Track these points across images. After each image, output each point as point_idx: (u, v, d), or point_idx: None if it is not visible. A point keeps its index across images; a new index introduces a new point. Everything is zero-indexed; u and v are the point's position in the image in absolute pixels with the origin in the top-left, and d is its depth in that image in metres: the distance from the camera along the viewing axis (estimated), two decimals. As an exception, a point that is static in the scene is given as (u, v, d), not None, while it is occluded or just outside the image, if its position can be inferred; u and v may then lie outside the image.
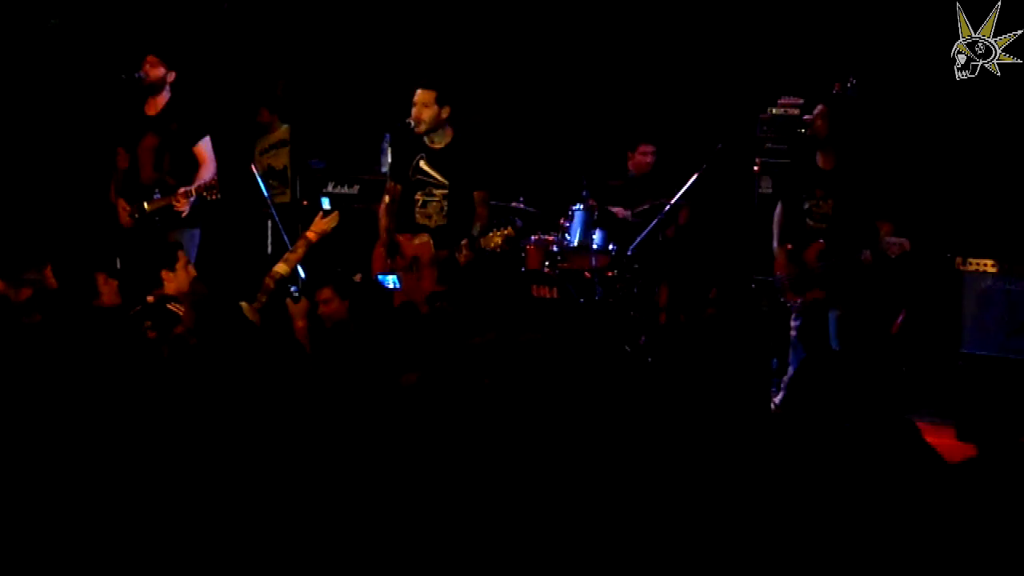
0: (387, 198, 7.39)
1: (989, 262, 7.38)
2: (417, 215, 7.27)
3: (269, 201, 8.44)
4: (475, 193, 7.19)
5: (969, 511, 4.23)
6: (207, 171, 7.60)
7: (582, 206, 8.23)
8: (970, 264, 7.42)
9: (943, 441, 4.79)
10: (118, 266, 7.63)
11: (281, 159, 9.28)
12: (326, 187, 9.30)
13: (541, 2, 9.47)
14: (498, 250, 7.00)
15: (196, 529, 4.36)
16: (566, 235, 8.26)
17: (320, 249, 6.95)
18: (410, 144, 7.26)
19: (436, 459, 4.99)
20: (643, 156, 8.69)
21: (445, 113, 7.13)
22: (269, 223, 8.62)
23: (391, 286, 7.15)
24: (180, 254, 6.41)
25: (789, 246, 7.01)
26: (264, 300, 6.52)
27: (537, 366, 7.14)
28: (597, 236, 8.21)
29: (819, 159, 6.94)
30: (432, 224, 7.23)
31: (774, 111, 8.24)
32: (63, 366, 5.06)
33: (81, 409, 4.90)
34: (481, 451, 5.16)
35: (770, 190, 7.85)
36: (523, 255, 8.19)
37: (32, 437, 4.71)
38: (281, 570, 4.22)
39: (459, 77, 8.28)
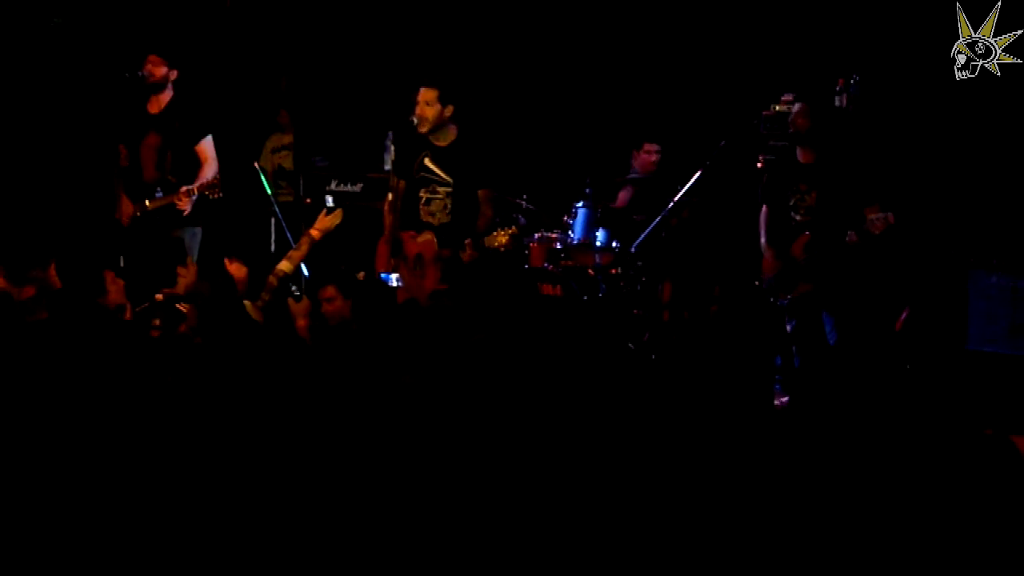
0: (391, 196, 7.40)
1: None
2: (421, 213, 7.27)
3: (272, 199, 8.44)
4: (479, 191, 7.19)
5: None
6: (209, 170, 7.59)
7: (585, 203, 8.22)
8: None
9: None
10: (121, 264, 7.63)
11: (292, 161, 9.28)
12: (329, 185, 9.30)
13: (545, 1, 9.46)
14: (502, 249, 6.99)
15: (198, 525, 4.36)
16: (569, 232, 8.25)
17: (324, 247, 6.94)
18: (414, 142, 7.26)
19: (439, 455, 4.99)
20: (647, 155, 8.68)
21: (448, 112, 7.13)
22: (272, 221, 8.61)
23: (394, 284, 7.15)
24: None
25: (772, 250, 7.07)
26: (268, 298, 6.51)
27: (540, 363, 7.15)
28: (600, 233, 8.20)
29: (800, 155, 7.02)
30: (436, 222, 7.22)
31: (777, 108, 8.23)
32: (69, 364, 5.06)
33: (85, 406, 4.89)
34: (484, 447, 5.15)
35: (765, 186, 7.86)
36: (526, 252, 8.18)
37: (36, 433, 4.71)
38: (283, 565, 4.22)
39: (463, 75, 8.27)
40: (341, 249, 7.66)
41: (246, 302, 6.46)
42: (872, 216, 6.59)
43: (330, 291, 6.45)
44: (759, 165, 8.18)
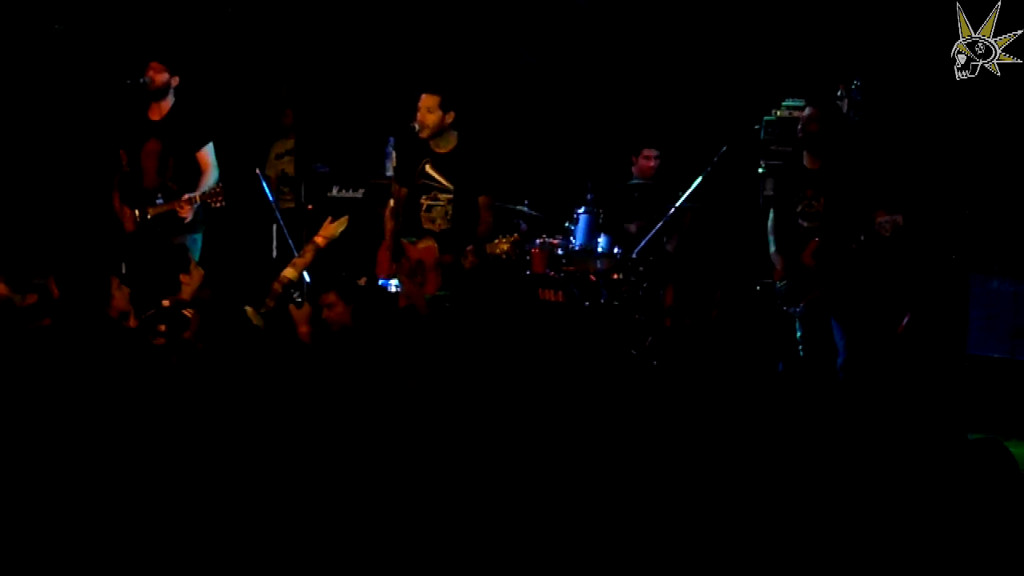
0: (392, 202, 7.40)
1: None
2: (422, 219, 7.27)
3: (274, 205, 8.44)
4: (480, 198, 7.19)
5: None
6: (209, 178, 7.60)
7: (586, 209, 8.23)
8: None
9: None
10: (123, 271, 7.63)
11: (294, 167, 9.27)
12: (331, 191, 9.31)
13: (545, 8, 9.47)
14: (504, 256, 7.00)
15: (199, 532, 4.36)
16: (571, 238, 8.26)
17: (325, 253, 6.95)
18: (415, 148, 7.27)
19: (440, 462, 4.99)
20: (647, 160, 8.69)
21: (449, 118, 7.13)
22: (274, 227, 8.62)
23: (394, 290, 7.15)
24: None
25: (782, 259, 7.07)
26: (272, 305, 6.52)
27: (541, 369, 7.15)
28: (602, 239, 8.20)
29: (807, 160, 6.98)
30: (437, 228, 7.23)
31: (778, 113, 8.24)
32: (72, 371, 5.06)
33: (87, 413, 4.90)
34: (486, 455, 5.15)
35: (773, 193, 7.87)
36: (528, 259, 8.19)
37: (38, 441, 4.71)
38: (286, 571, 4.22)
39: (464, 81, 8.28)
40: (342, 255, 7.67)
41: (247, 308, 6.47)
42: (881, 219, 6.57)
43: (331, 297, 6.45)
44: (760, 171, 8.20)
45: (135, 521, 4.37)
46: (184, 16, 9.12)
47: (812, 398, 7.01)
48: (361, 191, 9.30)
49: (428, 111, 7.11)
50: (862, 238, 6.62)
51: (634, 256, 8.14)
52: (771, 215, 7.24)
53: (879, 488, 4.93)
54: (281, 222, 8.43)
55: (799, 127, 6.97)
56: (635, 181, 8.67)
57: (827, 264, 6.80)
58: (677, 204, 8.03)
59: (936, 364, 7.45)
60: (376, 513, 4.56)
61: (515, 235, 7.03)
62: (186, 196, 7.47)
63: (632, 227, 8.53)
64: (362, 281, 7.32)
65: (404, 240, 7.32)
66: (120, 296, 5.95)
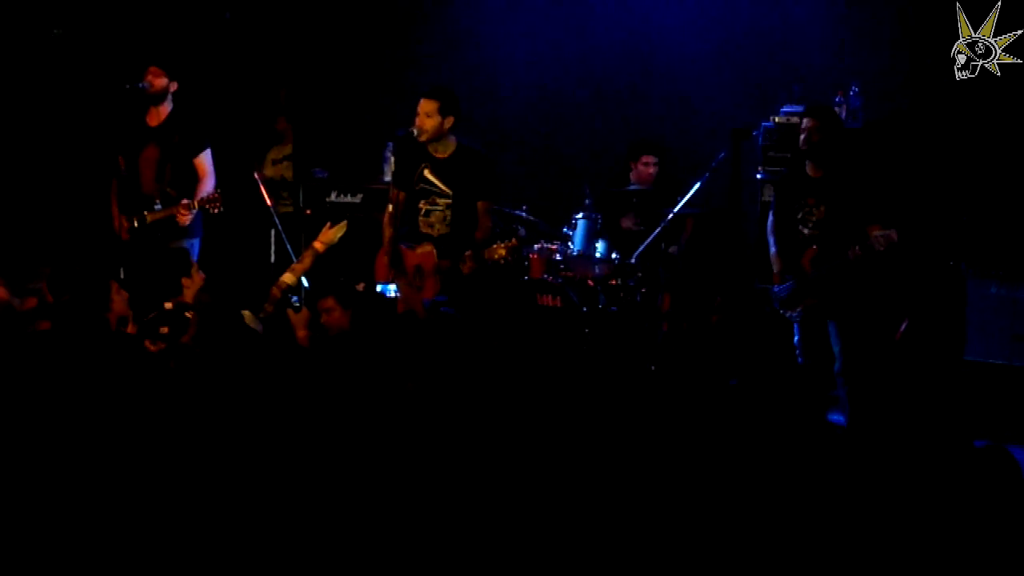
0: (390, 207, 7.39)
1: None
2: (420, 224, 7.27)
3: (272, 210, 8.44)
4: (478, 203, 7.20)
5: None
6: (206, 185, 7.60)
7: (585, 214, 8.23)
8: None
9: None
10: (121, 276, 7.63)
11: (292, 172, 9.27)
12: (329, 196, 9.30)
13: (544, 13, 9.48)
14: (502, 261, 7.00)
15: (197, 535, 4.36)
16: (569, 244, 8.26)
17: (323, 258, 6.95)
18: (414, 153, 7.26)
19: (438, 467, 4.98)
20: (645, 167, 8.69)
21: (448, 123, 7.13)
22: (272, 232, 8.61)
23: (393, 295, 7.15)
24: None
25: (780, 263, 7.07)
26: (271, 310, 6.52)
27: (539, 373, 7.14)
28: (600, 245, 8.20)
29: (808, 168, 6.98)
30: (435, 233, 7.23)
31: (777, 120, 8.24)
32: (70, 375, 5.06)
33: (84, 417, 4.89)
34: (484, 460, 5.15)
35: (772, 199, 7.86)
36: (526, 264, 8.19)
37: (36, 444, 4.71)
38: (280, 572, 4.21)
39: (461, 87, 8.28)
40: (341, 260, 7.66)
41: (246, 313, 6.47)
42: (876, 234, 6.59)
43: (329, 302, 6.45)
44: (758, 177, 8.20)
45: (133, 524, 4.36)
46: (182, 21, 9.12)
47: (810, 404, 7.01)
48: (359, 196, 9.29)
49: (427, 116, 7.11)
50: (858, 249, 6.63)
51: (632, 261, 8.14)
52: (770, 217, 7.26)
53: (883, 494, 4.92)
54: (279, 227, 8.43)
55: (801, 138, 6.96)
56: (633, 187, 8.67)
57: (824, 272, 6.81)
58: (675, 210, 8.03)
59: (934, 370, 7.45)
60: (375, 518, 4.55)
61: (513, 240, 7.03)
62: (184, 202, 7.47)
63: (628, 222, 8.53)
64: (360, 286, 7.32)
65: (402, 245, 7.32)
66: (119, 301, 5.95)
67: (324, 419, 5.30)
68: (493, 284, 7.46)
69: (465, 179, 7.17)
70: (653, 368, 7.91)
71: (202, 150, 7.68)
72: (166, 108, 7.71)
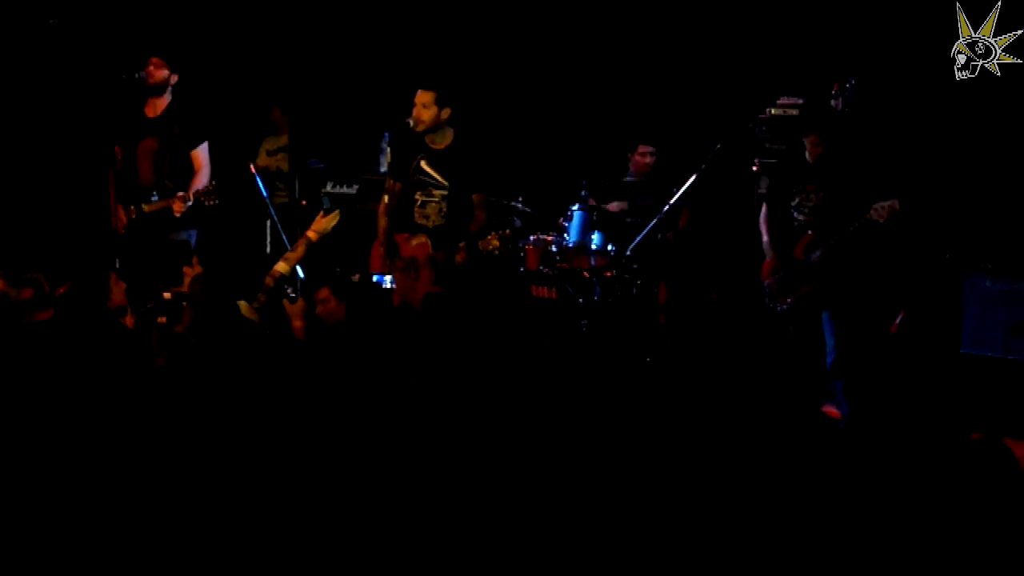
0: (386, 198, 7.39)
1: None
2: (416, 215, 7.28)
3: (268, 201, 8.43)
4: (474, 196, 7.20)
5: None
6: (201, 178, 7.59)
7: (581, 206, 8.23)
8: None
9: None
10: (117, 266, 7.62)
11: (288, 163, 9.26)
12: (325, 187, 9.29)
13: (541, 3, 9.46)
14: (496, 252, 7.01)
15: (193, 525, 4.36)
16: (565, 235, 8.26)
17: (319, 249, 6.94)
18: (410, 144, 7.27)
19: (433, 457, 4.99)
20: (642, 157, 8.68)
21: (445, 114, 7.14)
22: (268, 223, 8.61)
23: (388, 286, 7.15)
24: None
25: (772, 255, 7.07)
26: (264, 300, 6.51)
27: (534, 365, 7.15)
28: (596, 236, 8.20)
29: (808, 154, 6.97)
30: (431, 224, 7.23)
31: (773, 111, 8.24)
32: (67, 365, 5.06)
33: (81, 407, 4.89)
34: (478, 450, 5.15)
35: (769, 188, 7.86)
36: (522, 255, 8.19)
37: (32, 433, 4.71)
38: (281, 566, 4.22)
39: (459, 77, 8.27)
40: (336, 251, 7.66)
41: (241, 303, 6.46)
42: (877, 205, 6.54)
43: (324, 293, 6.45)
44: (755, 168, 8.20)
45: (128, 512, 4.36)
46: (177, 11, 9.10)
47: (806, 397, 7.03)
48: (355, 187, 9.29)
49: (423, 107, 7.12)
50: (855, 226, 6.60)
51: (628, 253, 8.14)
52: (763, 207, 7.25)
53: (880, 487, 4.93)
54: (275, 217, 8.43)
55: (806, 155, 6.95)
56: (630, 178, 8.67)
57: (817, 256, 6.80)
58: (672, 201, 8.03)
59: (930, 363, 7.46)
60: (371, 507, 4.56)
61: (506, 231, 7.04)
62: (180, 194, 7.46)
63: (615, 205, 8.54)
64: (356, 277, 7.32)
65: (398, 236, 7.32)
66: (117, 291, 5.95)
67: (319, 409, 5.30)
68: (488, 276, 7.46)
69: (462, 171, 7.17)
70: (649, 360, 7.91)
71: (200, 143, 7.67)
72: (165, 100, 7.69)
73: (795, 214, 6.99)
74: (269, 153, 9.27)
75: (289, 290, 7.16)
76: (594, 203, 8.33)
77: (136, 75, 7.58)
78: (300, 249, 6.85)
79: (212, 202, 7.46)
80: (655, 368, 7.85)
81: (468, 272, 7.11)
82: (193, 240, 7.70)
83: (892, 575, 4.26)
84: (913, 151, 7.74)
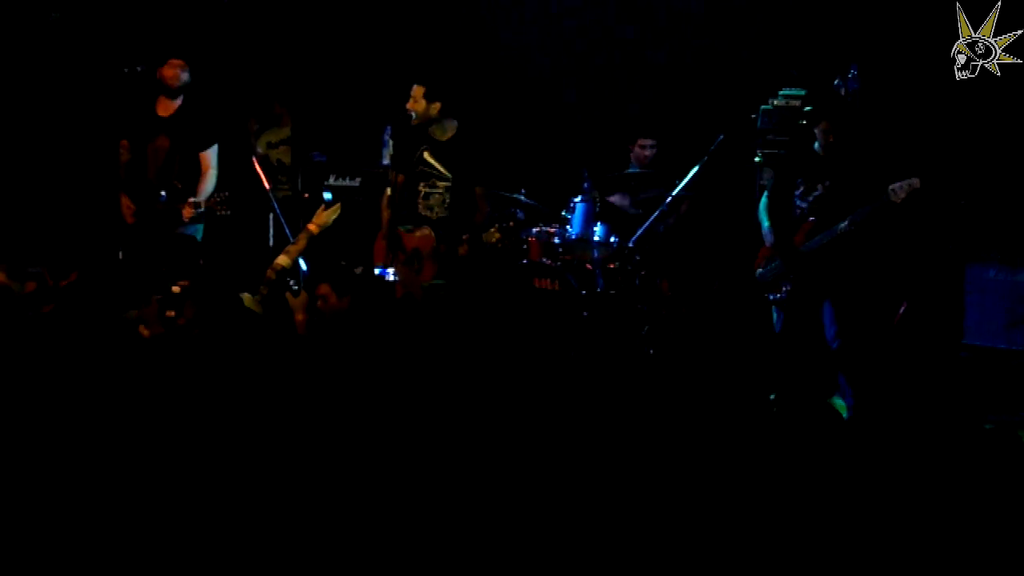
0: (388, 190, 7.41)
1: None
2: (419, 207, 7.29)
3: (270, 194, 8.43)
4: (476, 188, 7.22)
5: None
6: (208, 180, 7.58)
7: (583, 198, 8.23)
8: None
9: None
10: (120, 259, 7.63)
11: (290, 155, 9.26)
12: (328, 180, 9.29)
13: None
14: (499, 245, 7.02)
15: (195, 518, 4.37)
16: (568, 227, 8.26)
17: (322, 241, 6.95)
18: (414, 136, 7.29)
19: (435, 449, 4.99)
20: (643, 149, 8.68)
21: (434, 109, 7.17)
22: (271, 216, 8.61)
23: (391, 278, 7.16)
24: None
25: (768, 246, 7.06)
26: (266, 292, 6.53)
27: (537, 357, 7.15)
28: (598, 228, 8.20)
29: (819, 144, 6.94)
30: (434, 216, 7.24)
31: (775, 103, 8.23)
32: (70, 356, 5.08)
33: (83, 398, 4.90)
34: (481, 441, 5.16)
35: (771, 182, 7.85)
36: (525, 247, 8.19)
37: (35, 426, 4.72)
38: (281, 561, 4.23)
39: (461, 70, 8.28)
40: (339, 244, 7.67)
41: (245, 295, 6.48)
42: (894, 186, 6.48)
43: (324, 289, 6.46)
44: (756, 160, 8.19)
45: (129, 501, 4.37)
46: (179, 5, 9.10)
47: (811, 388, 7.02)
48: (358, 180, 9.29)
49: (414, 100, 7.19)
50: (872, 207, 6.54)
51: (631, 245, 8.13)
52: (764, 197, 7.23)
53: (890, 478, 4.94)
54: (278, 210, 8.43)
55: (816, 145, 6.93)
56: (632, 170, 8.66)
57: (817, 242, 6.77)
58: (674, 193, 8.03)
59: (933, 354, 7.46)
60: (373, 499, 4.56)
61: (509, 223, 7.06)
62: (192, 200, 7.43)
63: (616, 198, 8.54)
64: (359, 270, 7.33)
65: (401, 228, 7.32)
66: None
67: (321, 400, 5.31)
68: (491, 267, 7.47)
69: (465, 163, 7.19)
70: (651, 352, 7.91)
71: (210, 145, 7.66)
72: (179, 100, 7.68)
73: (798, 202, 6.97)
74: (269, 145, 9.28)
75: (292, 283, 7.16)
76: (596, 195, 8.32)
77: (137, 68, 7.57)
78: (301, 242, 6.86)
79: (224, 212, 7.44)
80: (658, 360, 7.85)
81: (472, 264, 7.12)
82: (200, 236, 7.70)
83: (904, 566, 4.27)
84: (912, 142, 7.73)
